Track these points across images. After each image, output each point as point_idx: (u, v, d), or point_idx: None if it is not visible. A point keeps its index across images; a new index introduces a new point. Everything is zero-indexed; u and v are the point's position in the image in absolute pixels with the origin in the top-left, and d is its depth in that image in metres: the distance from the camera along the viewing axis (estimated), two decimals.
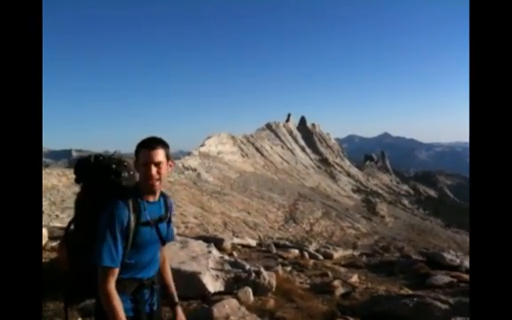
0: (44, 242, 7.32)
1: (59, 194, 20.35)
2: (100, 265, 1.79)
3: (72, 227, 2.02)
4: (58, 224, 12.87)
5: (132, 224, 1.86)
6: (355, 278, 7.89)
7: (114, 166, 2.01)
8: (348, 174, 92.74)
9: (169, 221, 2.10)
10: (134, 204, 1.90)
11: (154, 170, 1.91)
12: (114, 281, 1.81)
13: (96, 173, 1.99)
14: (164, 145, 1.97)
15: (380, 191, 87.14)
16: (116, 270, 1.83)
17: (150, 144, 1.93)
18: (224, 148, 68.80)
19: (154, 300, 2.08)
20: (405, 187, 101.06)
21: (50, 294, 4.52)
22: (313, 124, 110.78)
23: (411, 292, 6.31)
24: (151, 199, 1.99)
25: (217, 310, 4.06)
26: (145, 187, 1.95)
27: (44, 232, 7.77)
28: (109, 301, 1.77)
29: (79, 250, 1.93)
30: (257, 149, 79.49)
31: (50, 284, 3.85)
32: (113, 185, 1.97)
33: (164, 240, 2.07)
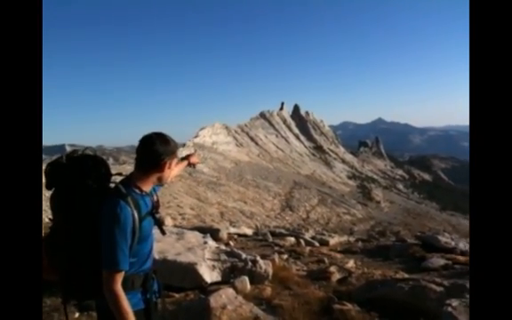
0: None
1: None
2: (117, 270, 1.78)
3: (54, 231, 1.94)
4: None
5: (137, 220, 1.85)
6: (351, 264, 7.96)
7: (91, 164, 1.93)
8: (343, 161, 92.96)
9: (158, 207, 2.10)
10: (133, 199, 1.87)
11: None
12: (121, 281, 1.80)
13: (76, 174, 1.89)
14: None
15: (375, 177, 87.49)
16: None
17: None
18: (218, 139, 68.66)
19: (156, 287, 2.10)
20: (400, 171, 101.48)
21: (47, 290, 4.52)
22: (306, 112, 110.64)
23: (406, 275, 6.37)
24: (144, 192, 1.97)
25: (214, 300, 4.07)
26: (162, 182, 2.05)
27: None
28: (119, 302, 1.77)
29: (70, 254, 1.87)
30: (251, 139, 79.40)
31: (46, 281, 3.83)
32: (98, 184, 1.91)
33: (163, 230, 2.10)
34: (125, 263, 1.81)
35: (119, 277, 1.79)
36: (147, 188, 1.98)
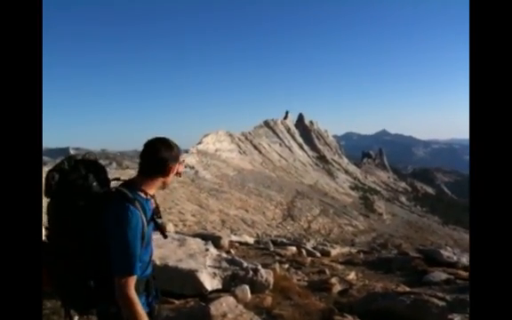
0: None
1: None
2: (131, 274, 1.78)
3: (51, 239, 1.93)
4: None
5: (145, 225, 1.85)
6: (352, 275, 7.92)
7: (91, 169, 1.91)
8: (346, 171, 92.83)
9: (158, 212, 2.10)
10: (139, 203, 1.86)
11: None
12: (133, 286, 1.80)
13: (75, 180, 1.86)
14: None
15: (378, 188, 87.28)
16: None
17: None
18: (222, 146, 68.74)
19: (154, 292, 2.09)
20: (403, 184, 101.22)
21: (47, 293, 4.51)
22: (311, 122, 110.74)
23: (408, 289, 6.33)
24: (148, 195, 1.95)
25: (214, 308, 4.06)
26: (166, 186, 2.06)
27: (44, 231, 7.75)
28: (135, 307, 1.77)
29: (69, 263, 1.84)
30: (255, 147, 79.47)
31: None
32: (98, 190, 1.90)
33: (165, 234, 2.09)
34: (137, 267, 1.81)
35: (132, 282, 1.79)
36: (151, 192, 1.98)
